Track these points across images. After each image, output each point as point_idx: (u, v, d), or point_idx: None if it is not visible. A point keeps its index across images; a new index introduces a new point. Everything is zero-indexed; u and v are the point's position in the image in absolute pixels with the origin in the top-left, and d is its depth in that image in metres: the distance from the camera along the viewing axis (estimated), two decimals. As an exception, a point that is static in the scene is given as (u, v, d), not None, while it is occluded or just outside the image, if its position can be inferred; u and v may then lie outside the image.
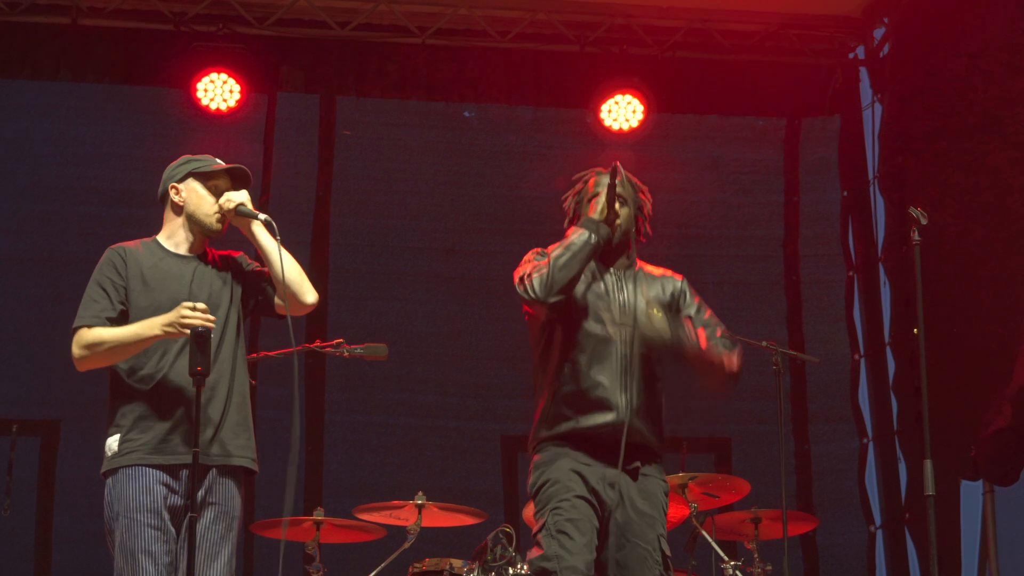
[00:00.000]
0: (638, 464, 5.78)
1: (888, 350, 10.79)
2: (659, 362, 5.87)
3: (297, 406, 5.59)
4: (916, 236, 6.29)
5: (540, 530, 5.68)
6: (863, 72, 11.29)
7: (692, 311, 6.00)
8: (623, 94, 10.56)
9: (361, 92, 10.85)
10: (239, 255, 5.92)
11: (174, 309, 5.48)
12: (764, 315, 10.84)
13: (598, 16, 10.77)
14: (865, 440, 10.79)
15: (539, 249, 5.96)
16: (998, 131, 9.53)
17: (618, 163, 5.95)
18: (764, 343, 8.11)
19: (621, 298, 5.88)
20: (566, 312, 5.82)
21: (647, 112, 10.58)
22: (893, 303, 10.76)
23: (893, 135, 10.80)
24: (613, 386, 5.75)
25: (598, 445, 5.72)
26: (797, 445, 10.72)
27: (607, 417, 5.73)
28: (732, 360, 5.85)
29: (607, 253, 5.92)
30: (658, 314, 5.89)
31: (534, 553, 5.69)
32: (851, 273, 11.08)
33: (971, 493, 9.65)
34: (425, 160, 10.91)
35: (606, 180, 5.95)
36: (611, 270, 5.96)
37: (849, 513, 10.68)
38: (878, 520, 10.66)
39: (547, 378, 5.87)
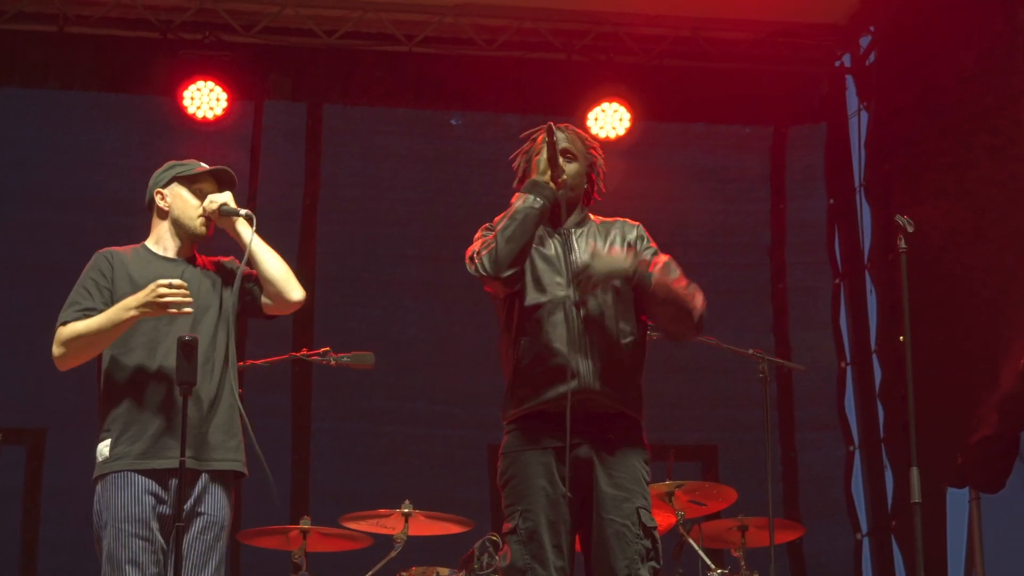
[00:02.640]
0: (611, 436, 5.52)
1: (874, 358, 10.80)
2: (622, 316, 5.59)
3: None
4: (902, 244, 6.29)
5: (510, 532, 5.49)
6: (849, 80, 11.31)
7: (649, 254, 5.69)
8: (610, 102, 10.57)
9: (348, 100, 10.85)
10: (229, 259, 5.89)
11: (147, 287, 5.45)
12: (750, 323, 10.86)
13: (585, 24, 10.78)
14: (851, 448, 10.81)
15: (487, 225, 5.72)
16: (984, 139, 9.55)
17: (552, 123, 5.66)
18: (751, 351, 8.12)
19: (572, 257, 5.61)
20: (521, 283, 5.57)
21: (634, 120, 10.59)
22: (879, 311, 10.78)
23: (879, 143, 10.83)
24: (572, 352, 5.47)
25: (564, 420, 5.40)
26: (783, 453, 10.73)
27: (570, 386, 5.43)
28: (697, 298, 5.50)
29: (556, 214, 5.64)
30: (615, 248, 5.64)
31: (505, 556, 5.55)
32: (837, 281, 11.09)
33: (957, 501, 9.65)
34: (412, 168, 10.92)
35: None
36: (560, 231, 5.68)
37: (835, 521, 10.69)
38: (864, 528, 10.67)
39: (509, 353, 5.63)
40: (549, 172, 5.62)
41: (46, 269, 10.02)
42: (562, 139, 5.71)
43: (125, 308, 5.49)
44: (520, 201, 5.57)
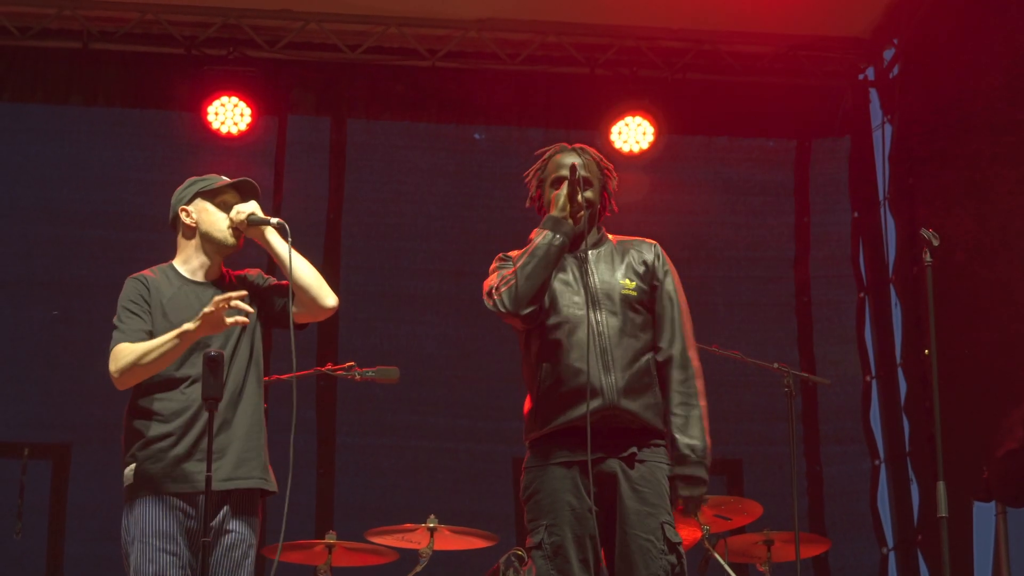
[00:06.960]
0: (634, 450, 5.57)
1: (900, 371, 10.77)
2: (639, 333, 5.67)
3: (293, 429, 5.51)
4: (928, 257, 6.28)
5: (535, 547, 5.52)
6: (873, 93, 11.28)
7: (662, 286, 5.74)
8: (633, 116, 10.56)
9: (371, 115, 10.87)
10: (256, 273, 5.87)
11: (208, 307, 5.40)
12: (775, 336, 10.83)
13: (608, 38, 10.78)
14: (877, 461, 10.76)
15: (501, 255, 5.79)
16: (1008, 152, 9.53)
17: (575, 163, 5.69)
18: (775, 365, 8.10)
19: (589, 280, 5.67)
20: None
21: (657, 134, 10.58)
22: (904, 324, 10.75)
23: (903, 156, 10.80)
24: (595, 371, 5.54)
25: (591, 436, 5.47)
26: (809, 467, 10.70)
27: (594, 404, 5.50)
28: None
29: (574, 240, 5.69)
30: (630, 284, 5.68)
31: (530, 571, 5.55)
32: (862, 294, 11.06)
33: (984, 514, 9.61)
34: (435, 182, 10.93)
35: (567, 160, 5.73)
36: (577, 253, 5.72)
37: (861, 535, 10.65)
38: (890, 542, 10.63)
39: (532, 374, 5.68)
40: (569, 208, 5.66)
41: (70, 285, 10.06)
42: (580, 167, 5.72)
43: (188, 324, 5.42)
44: (540, 238, 5.62)
